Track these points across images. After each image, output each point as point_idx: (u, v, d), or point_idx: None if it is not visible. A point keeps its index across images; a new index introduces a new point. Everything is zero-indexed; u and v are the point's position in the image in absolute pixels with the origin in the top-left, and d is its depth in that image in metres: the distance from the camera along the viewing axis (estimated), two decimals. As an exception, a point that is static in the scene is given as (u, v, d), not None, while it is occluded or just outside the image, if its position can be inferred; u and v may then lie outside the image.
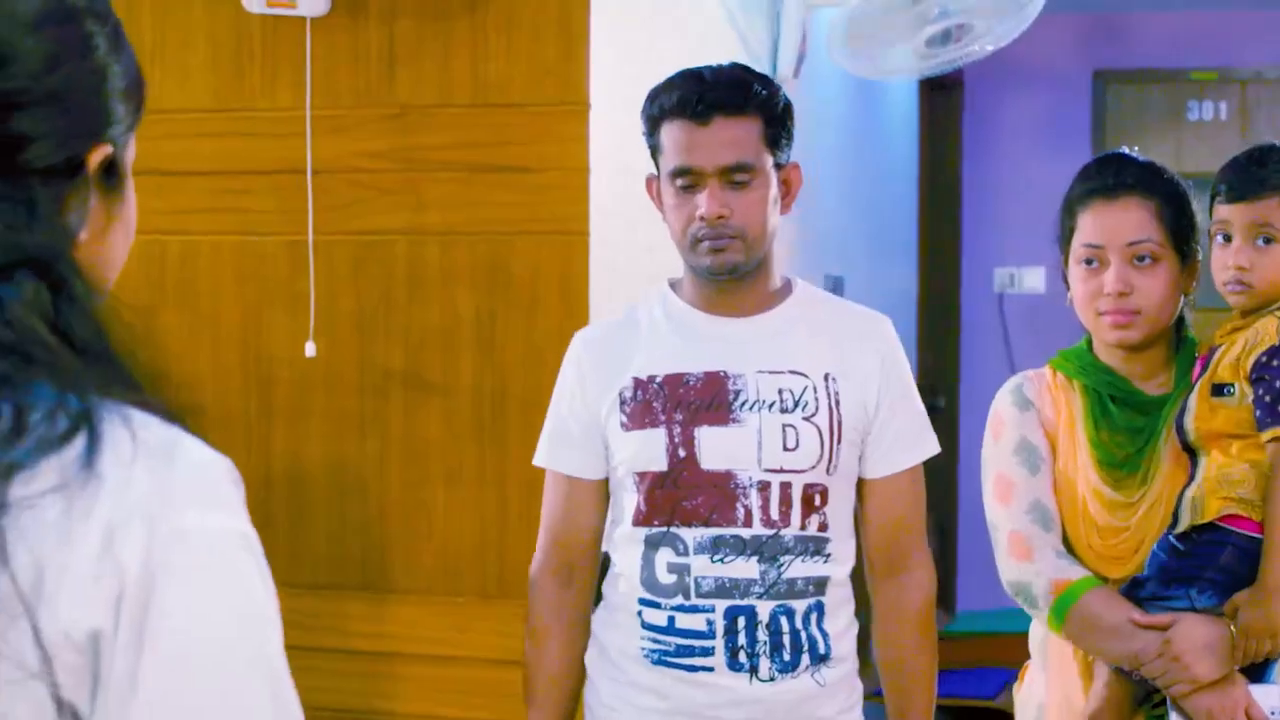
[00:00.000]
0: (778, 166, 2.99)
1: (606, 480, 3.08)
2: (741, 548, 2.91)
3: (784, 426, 2.93)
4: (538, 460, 3.14)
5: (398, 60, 3.94)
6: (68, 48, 1.29)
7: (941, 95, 8.07)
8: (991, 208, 8.23)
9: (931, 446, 3.09)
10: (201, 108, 4.06)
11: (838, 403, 2.96)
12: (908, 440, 3.05)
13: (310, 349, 3.95)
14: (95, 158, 1.33)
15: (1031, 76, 8.19)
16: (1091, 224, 2.95)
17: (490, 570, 3.90)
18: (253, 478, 4.02)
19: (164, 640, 1.19)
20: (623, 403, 2.99)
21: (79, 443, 1.20)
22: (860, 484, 3.04)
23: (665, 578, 2.96)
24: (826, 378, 2.97)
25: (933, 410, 8.38)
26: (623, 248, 3.96)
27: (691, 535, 2.93)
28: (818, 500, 2.95)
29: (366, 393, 4.00)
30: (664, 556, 2.96)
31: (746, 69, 3.02)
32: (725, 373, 2.96)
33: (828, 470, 2.95)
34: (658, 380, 2.98)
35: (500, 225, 3.87)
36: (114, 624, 1.19)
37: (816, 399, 2.95)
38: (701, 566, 2.92)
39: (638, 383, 2.99)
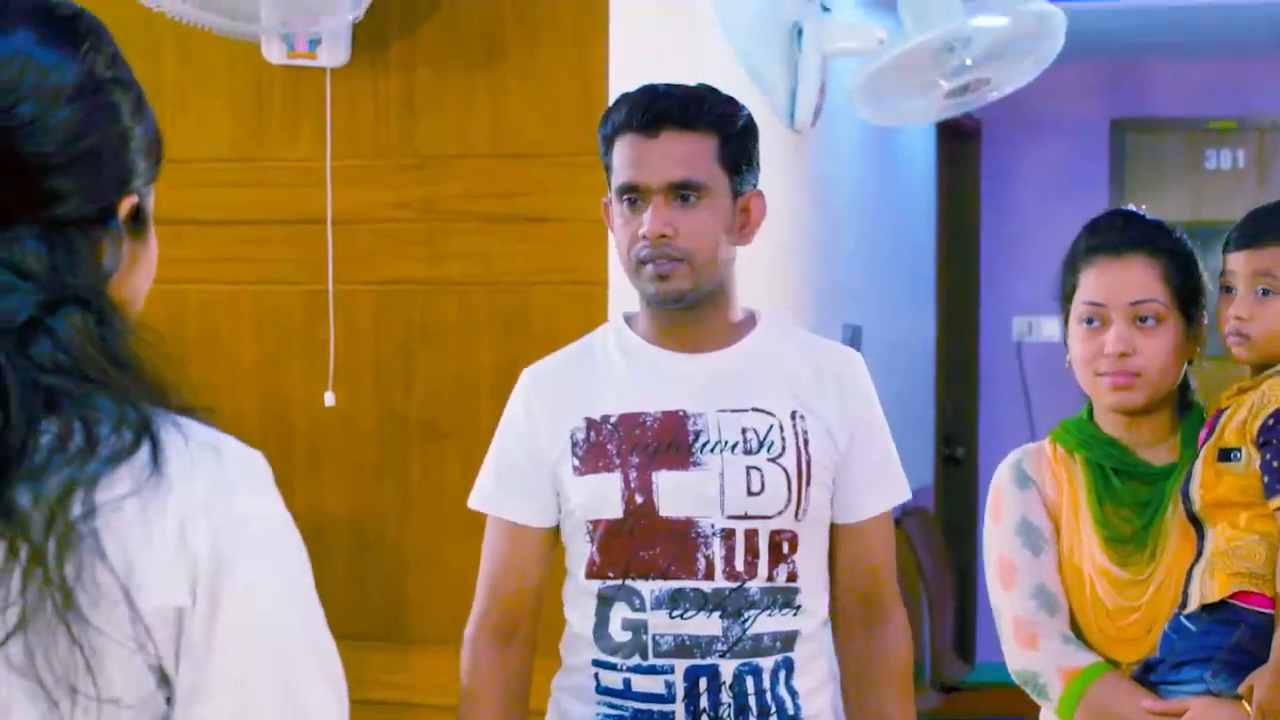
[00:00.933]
0: (736, 193, 2.76)
1: (555, 529, 2.84)
2: (702, 602, 2.68)
3: (748, 469, 2.70)
4: (475, 503, 2.90)
5: (418, 111, 3.95)
6: (96, 116, 1.49)
7: (959, 144, 8.07)
8: (1009, 256, 8.23)
9: (904, 491, 2.89)
10: (222, 157, 4.08)
11: (806, 442, 2.73)
12: (883, 482, 2.84)
13: (329, 399, 3.95)
14: (124, 207, 1.53)
15: (1049, 125, 8.20)
16: (1094, 281, 2.81)
17: (509, 620, 3.88)
18: (272, 527, 4.02)
19: (232, 608, 1.44)
20: (575, 445, 2.76)
21: (144, 450, 1.41)
22: (832, 529, 2.82)
23: (620, 635, 2.73)
24: (794, 415, 2.74)
25: (952, 460, 8.39)
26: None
27: (648, 588, 2.70)
28: (786, 548, 2.72)
29: (385, 442, 4.00)
30: (619, 612, 2.73)
31: (710, 89, 2.82)
32: (684, 412, 2.73)
33: (796, 515, 2.72)
34: (612, 420, 2.75)
35: (519, 275, 3.88)
36: (192, 599, 1.42)
37: (783, 438, 2.72)
38: (659, 623, 2.69)
39: (590, 423, 2.76)
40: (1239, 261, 2.81)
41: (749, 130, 2.80)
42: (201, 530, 1.42)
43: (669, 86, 2.77)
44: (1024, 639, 2.82)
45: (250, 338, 4.09)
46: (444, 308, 3.94)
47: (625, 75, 3.87)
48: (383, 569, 3.99)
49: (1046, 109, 7.91)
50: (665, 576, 2.69)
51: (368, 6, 3.87)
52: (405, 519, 3.99)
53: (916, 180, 7.57)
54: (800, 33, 5.01)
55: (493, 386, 3.89)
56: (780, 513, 2.71)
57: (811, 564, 2.77)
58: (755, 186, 2.82)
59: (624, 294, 3.84)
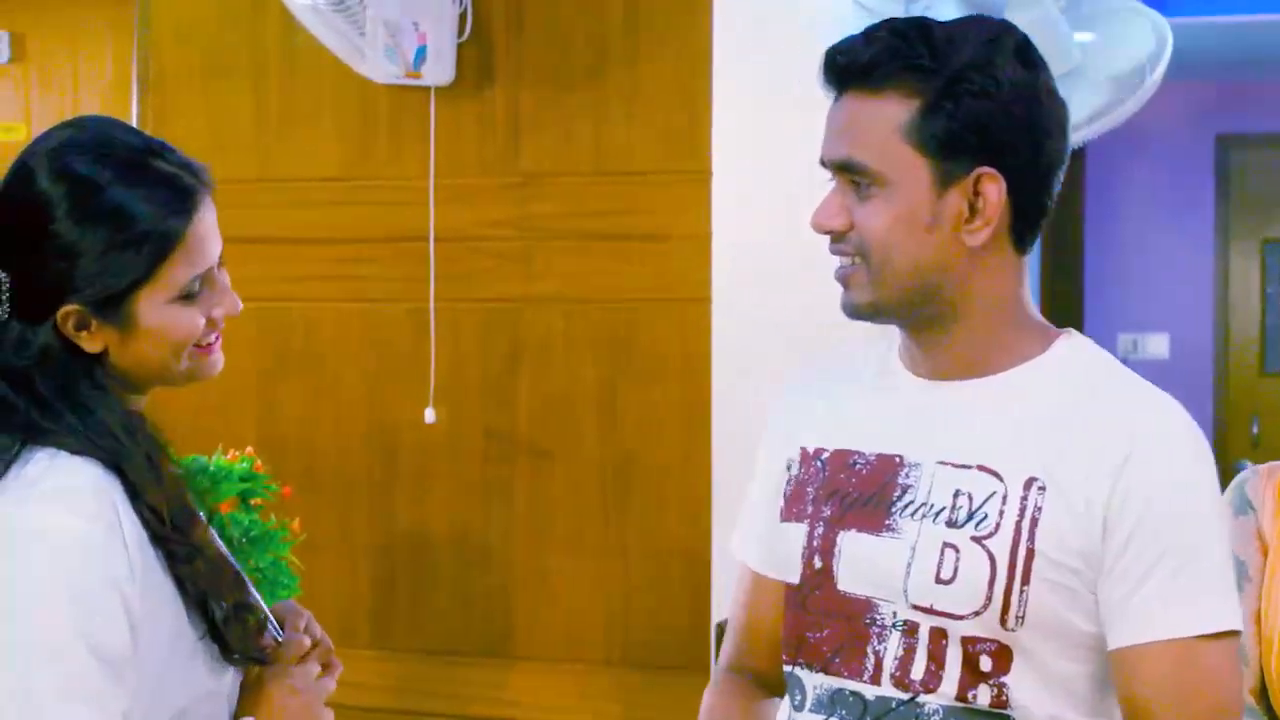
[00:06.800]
0: (947, 178, 1.93)
1: None
2: (860, 712, 1.97)
3: (944, 546, 1.92)
4: (731, 545, 2.24)
5: (521, 129, 3.97)
6: (29, 247, 1.83)
7: (1063, 161, 8.03)
8: (1115, 273, 8.17)
9: (1217, 619, 1.88)
10: (328, 177, 4.11)
11: (1035, 523, 1.90)
12: (1172, 599, 1.88)
13: (430, 415, 3.97)
14: (63, 315, 1.84)
15: (1154, 142, 8.14)
16: None
17: (615, 637, 3.89)
18: (375, 543, 4.05)
19: None
20: (787, 480, 2.10)
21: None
22: (1111, 656, 1.94)
23: None
24: (1029, 484, 1.91)
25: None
26: (745, 315, 3.95)
27: (811, 683, 2.02)
28: (988, 663, 1.91)
29: (489, 460, 4.01)
30: (785, 711, 2.07)
31: (955, 24, 1.98)
32: (900, 459, 1.99)
33: (1004, 621, 1.90)
34: (825, 455, 2.06)
35: (623, 293, 3.89)
36: None
37: (1002, 513, 1.91)
38: None
39: (804, 455, 2.08)
40: None
41: (983, 88, 1.92)
42: None
43: (891, 24, 1.98)
44: None
45: (354, 354, 4.11)
46: (547, 325, 3.95)
47: (729, 93, 3.87)
48: (487, 586, 3.99)
49: (1151, 126, 7.84)
50: (827, 669, 2.00)
51: (472, 27, 3.90)
52: (509, 536, 3.99)
53: (1020, 197, 7.53)
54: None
55: (596, 403, 3.90)
56: (976, 613, 1.92)
57: (1038, 693, 1.94)
58: (1000, 162, 1.95)
59: (728, 311, 3.84)
